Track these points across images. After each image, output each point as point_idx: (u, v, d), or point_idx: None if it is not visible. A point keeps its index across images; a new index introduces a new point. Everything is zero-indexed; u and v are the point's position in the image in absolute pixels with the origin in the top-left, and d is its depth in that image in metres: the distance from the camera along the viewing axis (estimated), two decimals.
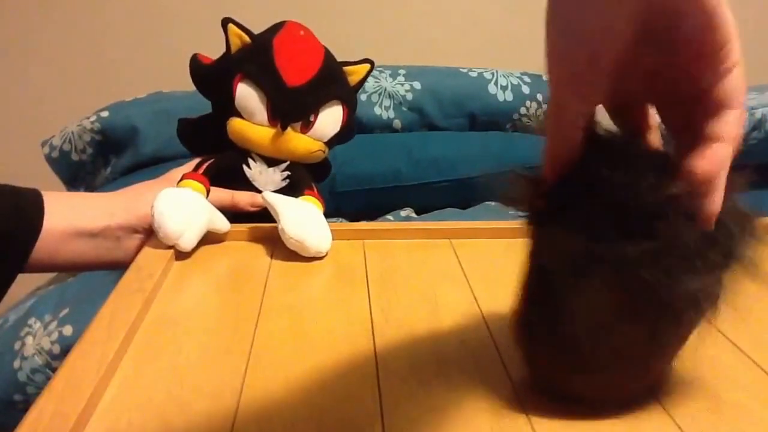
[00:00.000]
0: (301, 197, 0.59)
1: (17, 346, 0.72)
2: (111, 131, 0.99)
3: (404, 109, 1.04)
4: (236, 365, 0.39)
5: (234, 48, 0.61)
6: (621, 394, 0.35)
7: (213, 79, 0.63)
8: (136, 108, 1.02)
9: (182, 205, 0.54)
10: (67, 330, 0.71)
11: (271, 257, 0.56)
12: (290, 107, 0.61)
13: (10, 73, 1.29)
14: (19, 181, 0.55)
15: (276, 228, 0.55)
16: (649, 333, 0.32)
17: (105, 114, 1.00)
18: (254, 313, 0.46)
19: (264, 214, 0.59)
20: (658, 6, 0.27)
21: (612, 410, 0.35)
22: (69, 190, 1.03)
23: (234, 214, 0.61)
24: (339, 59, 0.64)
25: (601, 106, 0.33)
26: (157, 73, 1.24)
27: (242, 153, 0.62)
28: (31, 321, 0.74)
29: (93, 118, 0.99)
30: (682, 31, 0.28)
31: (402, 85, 1.05)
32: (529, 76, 1.10)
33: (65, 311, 0.73)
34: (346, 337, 0.43)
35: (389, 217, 0.97)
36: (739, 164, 0.31)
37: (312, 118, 0.62)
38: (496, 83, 1.07)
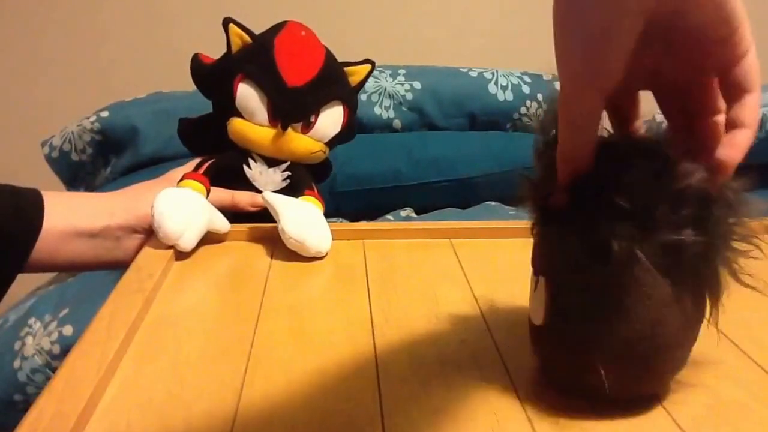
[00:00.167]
0: (301, 197, 0.59)
1: (17, 346, 0.72)
2: (111, 131, 0.99)
3: (404, 109, 1.04)
4: (236, 365, 0.39)
5: (235, 48, 0.61)
6: (641, 387, 0.35)
7: (214, 79, 0.63)
8: (136, 108, 1.02)
9: (182, 205, 0.54)
10: (67, 330, 0.71)
11: (271, 257, 0.56)
12: (291, 107, 0.61)
13: (10, 73, 1.29)
14: (19, 181, 0.55)
15: (276, 228, 0.55)
16: (685, 319, 0.33)
17: (105, 114, 1.00)
18: (254, 313, 0.46)
19: (264, 214, 0.58)
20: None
21: (613, 408, 0.35)
22: (69, 190, 1.03)
23: (234, 214, 0.61)
24: (339, 59, 0.64)
25: None
26: (157, 73, 1.24)
27: (242, 153, 0.62)
28: (31, 321, 0.74)
29: (93, 118, 0.99)
30: (692, 21, 0.28)
31: (402, 85, 1.05)
32: (529, 75, 1.09)
33: (65, 311, 0.73)
34: (347, 337, 0.43)
35: (389, 217, 0.97)
36: (740, 164, 0.31)
37: (312, 119, 0.62)
38: (496, 83, 1.07)
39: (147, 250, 0.54)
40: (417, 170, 0.99)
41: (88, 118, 1.00)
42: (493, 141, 1.04)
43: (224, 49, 0.62)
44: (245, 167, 0.62)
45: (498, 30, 1.33)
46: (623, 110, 0.35)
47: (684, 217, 0.31)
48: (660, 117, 0.35)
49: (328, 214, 0.60)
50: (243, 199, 0.62)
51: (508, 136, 1.07)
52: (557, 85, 0.30)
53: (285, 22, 0.63)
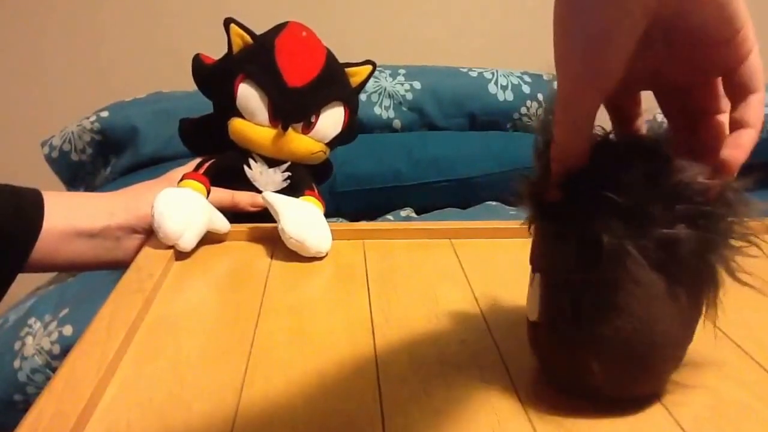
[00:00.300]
0: (301, 197, 0.59)
1: (17, 346, 0.72)
2: (111, 131, 0.99)
3: (404, 108, 1.04)
4: (236, 365, 0.39)
5: (236, 48, 0.61)
6: (639, 386, 0.35)
7: (214, 79, 0.63)
8: (135, 108, 1.02)
9: (182, 205, 0.54)
10: (67, 330, 0.71)
11: (271, 257, 0.56)
12: (291, 108, 0.61)
13: (10, 73, 1.29)
14: (19, 181, 0.55)
15: (276, 228, 0.55)
16: (681, 316, 0.33)
17: (105, 114, 1.00)
18: (254, 313, 0.46)
19: (264, 214, 0.58)
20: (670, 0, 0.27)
21: (614, 408, 0.35)
22: (69, 190, 1.03)
23: (234, 214, 0.60)
24: (339, 59, 0.64)
25: None
26: (157, 73, 1.24)
27: (243, 153, 0.62)
28: (31, 321, 0.74)
29: (93, 118, 0.99)
30: (694, 22, 0.28)
31: (402, 84, 1.05)
32: (530, 75, 1.09)
33: (65, 311, 0.73)
34: (347, 337, 0.43)
35: (389, 217, 0.97)
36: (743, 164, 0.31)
37: (313, 119, 0.62)
38: (496, 83, 1.07)
39: (147, 250, 0.54)
40: (417, 170, 0.99)
41: (88, 118, 1.00)
42: (493, 141, 1.04)
43: (225, 50, 0.62)
44: (245, 167, 0.62)
45: (498, 30, 1.33)
46: (624, 110, 0.35)
47: (678, 212, 0.31)
48: (661, 116, 0.35)
49: (328, 214, 0.60)
50: (243, 199, 0.62)
51: (508, 136, 1.07)
52: (557, 85, 0.30)
53: (286, 22, 0.63)
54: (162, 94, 1.07)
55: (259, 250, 0.57)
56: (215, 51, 0.64)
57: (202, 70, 0.64)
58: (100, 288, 0.71)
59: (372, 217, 0.97)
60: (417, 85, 1.05)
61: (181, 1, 1.26)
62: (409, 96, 1.05)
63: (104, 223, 0.55)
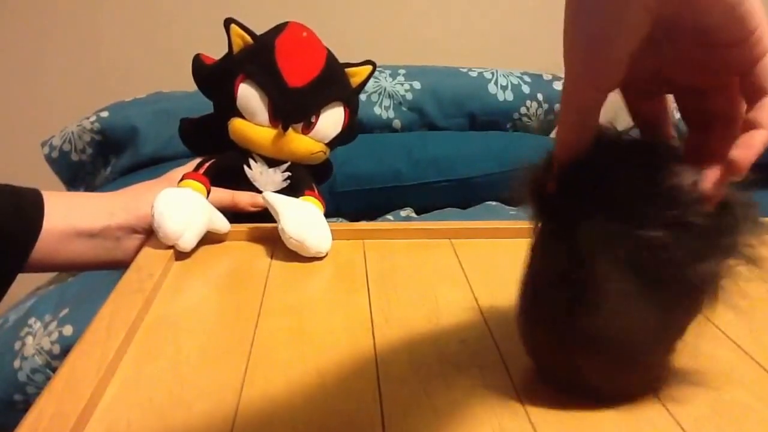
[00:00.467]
0: (301, 198, 0.59)
1: (17, 346, 0.72)
2: (111, 131, 0.99)
3: (404, 108, 1.05)
4: (236, 365, 0.39)
5: (236, 48, 0.61)
6: (628, 382, 0.35)
7: (215, 79, 0.63)
8: (135, 108, 1.02)
9: (182, 205, 0.54)
10: (67, 330, 0.71)
11: (271, 257, 0.56)
12: (292, 108, 0.61)
13: (10, 73, 1.29)
14: (19, 181, 0.55)
15: (276, 228, 0.55)
16: (660, 317, 0.33)
17: (105, 114, 1.00)
18: (254, 313, 0.46)
19: (264, 214, 0.58)
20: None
21: (614, 408, 0.35)
22: (69, 190, 1.03)
23: (234, 214, 0.60)
24: (339, 59, 0.64)
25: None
26: (157, 73, 1.24)
27: (243, 153, 0.62)
28: (31, 321, 0.74)
29: (93, 118, 0.99)
30: (708, 22, 0.28)
31: (402, 84, 1.05)
32: (529, 75, 1.10)
33: (65, 311, 0.73)
34: (347, 337, 0.43)
35: (389, 217, 0.97)
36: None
37: (313, 119, 0.62)
38: (496, 83, 1.07)
39: (147, 250, 0.54)
40: (417, 170, 0.99)
41: (88, 118, 1.00)
42: (493, 141, 1.04)
43: (225, 50, 0.62)
44: (246, 167, 0.62)
45: (498, 30, 1.33)
46: (652, 116, 0.35)
47: (668, 217, 0.30)
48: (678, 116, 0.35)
49: (328, 214, 0.60)
50: (243, 199, 0.62)
51: (508, 136, 1.07)
52: (557, 85, 0.31)
53: (286, 22, 0.63)
54: (162, 94, 1.07)
55: (259, 250, 0.57)
56: (215, 51, 0.64)
57: (202, 70, 0.64)
58: (100, 288, 0.71)
59: (372, 217, 0.97)
60: (417, 85, 1.05)
61: (181, 1, 1.26)
62: (409, 96, 1.05)
63: (104, 223, 0.55)
